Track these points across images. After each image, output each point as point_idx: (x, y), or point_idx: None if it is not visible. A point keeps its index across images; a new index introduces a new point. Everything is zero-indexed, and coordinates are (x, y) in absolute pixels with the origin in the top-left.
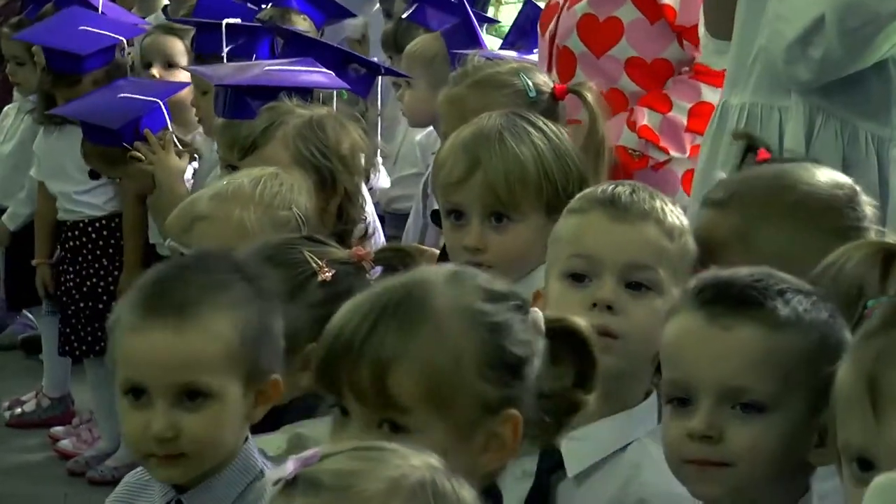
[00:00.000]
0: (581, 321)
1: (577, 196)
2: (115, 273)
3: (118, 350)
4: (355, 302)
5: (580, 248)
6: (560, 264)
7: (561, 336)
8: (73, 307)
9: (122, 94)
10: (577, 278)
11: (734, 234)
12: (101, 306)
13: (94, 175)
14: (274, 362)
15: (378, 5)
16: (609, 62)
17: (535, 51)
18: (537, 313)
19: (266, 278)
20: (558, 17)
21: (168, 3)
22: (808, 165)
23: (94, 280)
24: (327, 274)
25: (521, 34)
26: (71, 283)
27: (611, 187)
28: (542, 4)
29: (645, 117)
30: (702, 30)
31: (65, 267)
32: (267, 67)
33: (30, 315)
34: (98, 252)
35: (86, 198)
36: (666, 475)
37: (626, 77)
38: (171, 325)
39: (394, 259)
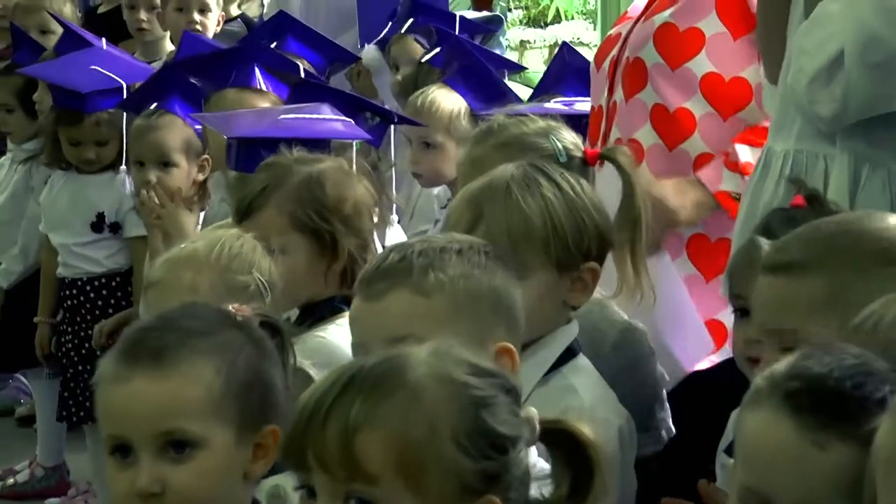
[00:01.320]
0: (582, 426)
1: None
2: (115, 335)
3: (100, 405)
4: (328, 372)
5: (355, 339)
6: None
7: (557, 441)
8: (71, 370)
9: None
10: None
11: (822, 297)
12: None
13: (96, 227)
14: (270, 412)
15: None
16: (684, 75)
17: (577, 98)
18: (532, 410)
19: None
20: (628, 34)
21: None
22: (870, 213)
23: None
24: (244, 310)
25: (556, 80)
26: (70, 345)
27: (376, 261)
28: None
29: (747, 154)
30: (762, 76)
31: (64, 327)
32: (281, 116)
33: (23, 379)
34: (97, 312)
35: (86, 251)
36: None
37: (699, 94)
38: (148, 372)
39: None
